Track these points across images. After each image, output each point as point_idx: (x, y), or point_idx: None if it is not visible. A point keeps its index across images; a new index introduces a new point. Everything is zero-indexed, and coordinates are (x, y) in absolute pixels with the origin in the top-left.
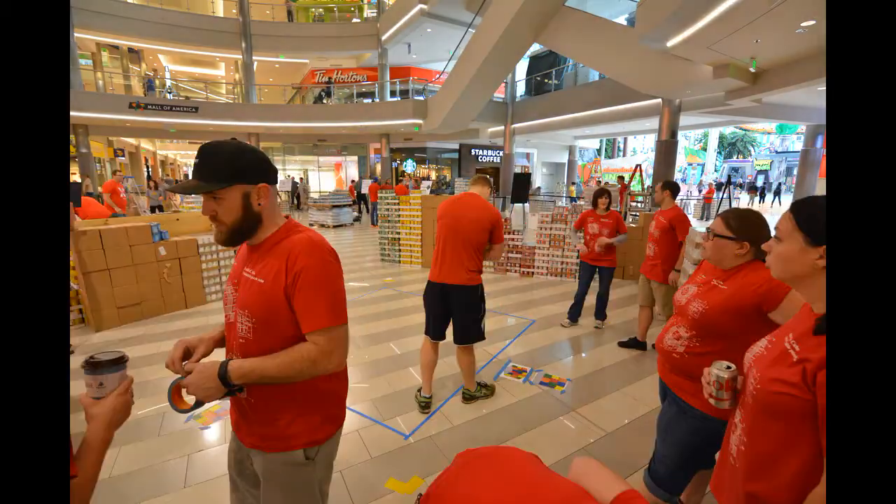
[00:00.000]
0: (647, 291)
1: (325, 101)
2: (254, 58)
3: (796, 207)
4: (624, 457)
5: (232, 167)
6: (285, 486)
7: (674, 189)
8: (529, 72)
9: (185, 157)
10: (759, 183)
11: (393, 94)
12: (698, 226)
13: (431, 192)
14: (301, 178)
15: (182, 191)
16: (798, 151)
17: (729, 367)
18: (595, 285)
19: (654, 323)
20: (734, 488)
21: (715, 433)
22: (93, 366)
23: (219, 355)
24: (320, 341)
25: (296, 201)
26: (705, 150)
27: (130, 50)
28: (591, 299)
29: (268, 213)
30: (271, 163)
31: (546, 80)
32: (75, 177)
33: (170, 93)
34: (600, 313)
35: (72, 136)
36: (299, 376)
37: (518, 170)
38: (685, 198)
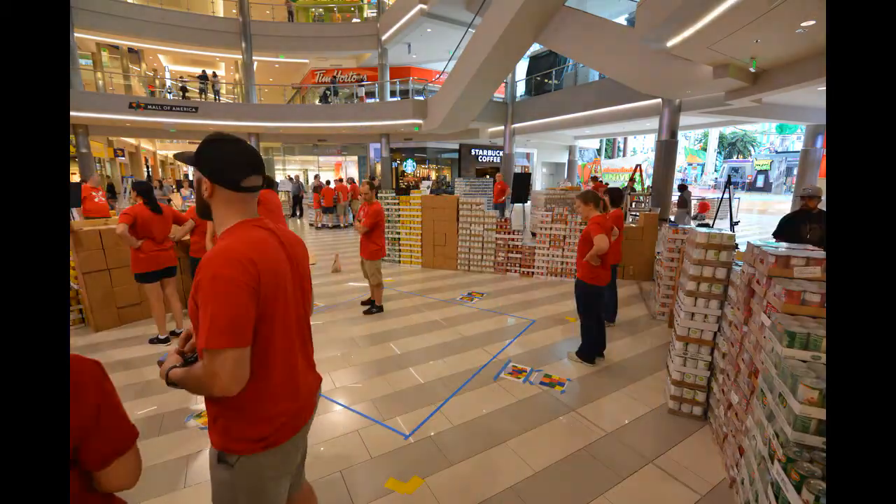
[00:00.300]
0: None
1: (329, 100)
2: (254, 58)
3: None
4: (624, 457)
5: (197, 151)
6: (211, 480)
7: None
8: (529, 72)
9: None
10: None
11: (393, 94)
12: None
13: (431, 192)
14: (297, 177)
15: (180, 158)
16: (798, 151)
17: None
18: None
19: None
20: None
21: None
22: None
23: None
24: (205, 361)
25: (297, 209)
26: (705, 150)
27: (130, 50)
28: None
29: (217, 209)
30: (236, 168)
31: (546, 80)
32: (75, 177)
33: (170, 93)
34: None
35: (72, 136)
36: (194, 391)
37: (518, 170)
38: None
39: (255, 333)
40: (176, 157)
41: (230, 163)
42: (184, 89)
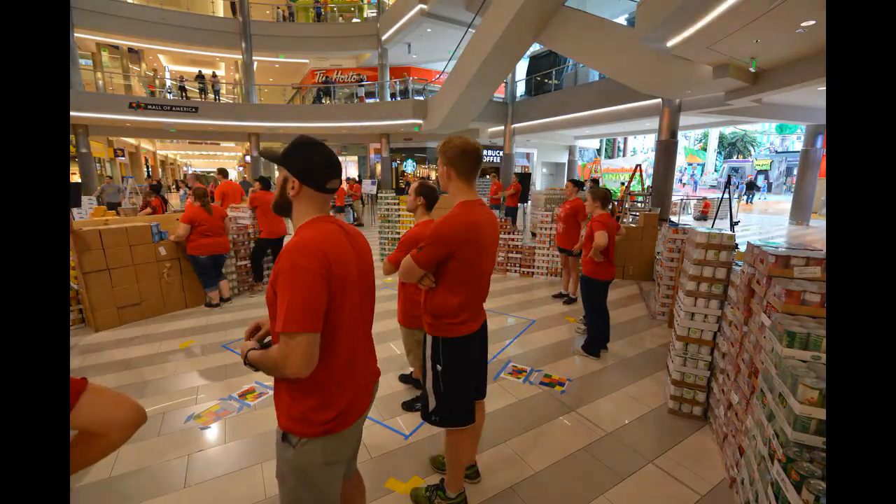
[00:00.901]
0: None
1: (323, 101)
2: (254, 58)
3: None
4: (624, 457)
5: (285, 152)
6: (276, 456)
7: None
8: (529, 72)
9: (185, 158)
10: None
11: (393, 94)
12: (699, 226)
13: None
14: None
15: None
16: (798, 151)
17: None
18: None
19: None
20: None
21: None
22: None
23: None
24: (281, 344)
25: None
26: (705, 150)
27: (130, 50)
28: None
29: (297, 206)
30: (323, 171)
31: (546, 80)
32: (75, 177)
33: (170, 93)
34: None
35: (72, 136)
36: (269, 372)
37: (518, 170)
38: (684, 198)
39: (325, 320)
40: (262, 153)
41: (319, 166)
42: (182, 89)
